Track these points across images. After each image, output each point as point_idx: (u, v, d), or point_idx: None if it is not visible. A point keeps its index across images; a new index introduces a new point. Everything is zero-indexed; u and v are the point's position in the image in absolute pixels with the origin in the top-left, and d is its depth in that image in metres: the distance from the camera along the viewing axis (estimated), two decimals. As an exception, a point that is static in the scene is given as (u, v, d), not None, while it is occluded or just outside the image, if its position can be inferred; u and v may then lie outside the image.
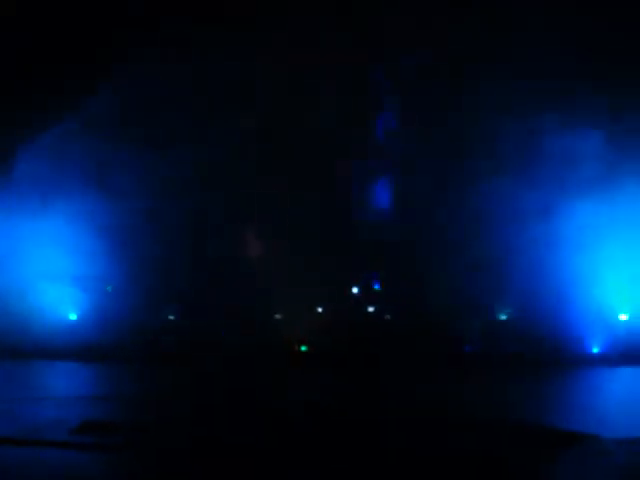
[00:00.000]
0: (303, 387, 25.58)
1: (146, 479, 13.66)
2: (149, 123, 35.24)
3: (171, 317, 37.78)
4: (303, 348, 35.62)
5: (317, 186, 36.22)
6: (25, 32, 34.64)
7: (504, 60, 33.04)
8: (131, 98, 34.95)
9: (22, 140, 35.28)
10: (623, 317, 35.18)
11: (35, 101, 34.60)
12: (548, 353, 32.08)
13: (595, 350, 34.19)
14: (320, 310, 37.60)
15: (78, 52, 34.50)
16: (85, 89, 35.02)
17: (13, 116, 34.62)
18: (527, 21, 32.89)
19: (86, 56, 34.57)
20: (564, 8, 32.42)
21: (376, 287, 38.58)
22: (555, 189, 33.60)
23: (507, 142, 33.85)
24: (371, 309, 38.18)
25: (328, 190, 36.53)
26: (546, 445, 15.99)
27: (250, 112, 35.06)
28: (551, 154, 33.81)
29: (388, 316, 37.75)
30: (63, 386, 26.98)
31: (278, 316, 37.14)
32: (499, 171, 33.63)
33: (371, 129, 36.96)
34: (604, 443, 15.97)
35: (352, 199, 37.45)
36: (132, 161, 35.01)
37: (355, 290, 38.46)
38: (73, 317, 36.86)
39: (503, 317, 36.15)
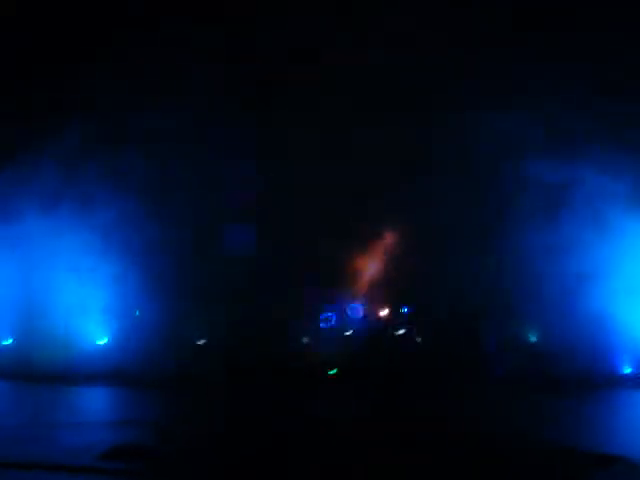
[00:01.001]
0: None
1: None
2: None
3: (201, 342, 37.70)
4: (332, 372, 35.39)
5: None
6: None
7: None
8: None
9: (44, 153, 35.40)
10: (655, 337, 34.72)
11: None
12: (579, 374, 31.70)
13: (627, 371, 33.75)
14: (348, 333, 37.42)
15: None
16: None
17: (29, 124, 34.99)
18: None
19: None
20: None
21: (405, 310, 38.37)
22: (585, 214, 33.38)
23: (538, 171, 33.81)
24: (401, 332, 37.97)
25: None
26: (579, 467, 15.91)
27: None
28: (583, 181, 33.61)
29: (419, 339, 37.52)
30: (92, 411, 27.07)
31: (306, 340, 37.00)
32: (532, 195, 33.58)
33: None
34: (635, 465, 15.85)
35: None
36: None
37: (383, 313, 38.30)
38: (102, 341, 36.94)
39: (533, 339, 35.81)
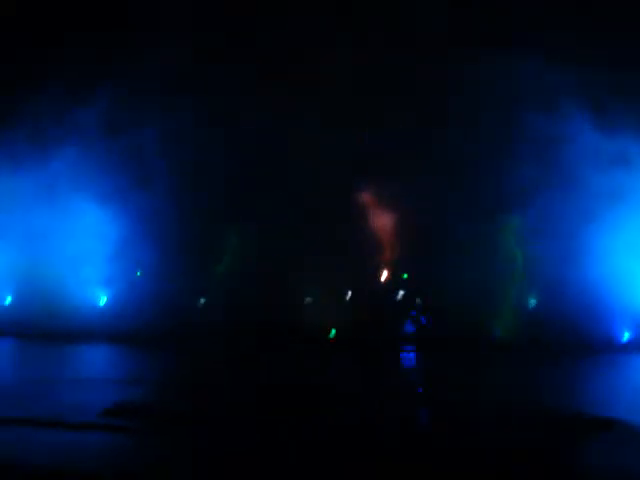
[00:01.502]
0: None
1: (173, 462, 13.78)
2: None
3: (202, 300, 37.74)
4: (332, 333, 35.50)
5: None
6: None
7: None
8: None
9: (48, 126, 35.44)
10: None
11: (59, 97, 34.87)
12: (578, 340, 31.78)
13: (626, 337, 33.86)
14: (349, 295, 37.47)
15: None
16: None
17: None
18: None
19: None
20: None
21: (404, 276, 38.39)
22: (586, 186, 33.40)
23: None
24: (401, 293, 38.00)
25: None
26: (580, 430, 16.04)
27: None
28: (583, 158, 33.60)
29: (418, 300, 37.53)
30: (92, 369, 27.14)
31: (309, 299, 37.03)
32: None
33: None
34: (632, 428, 15.99)
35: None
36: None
37: (383, 278, 38.31)
38: (103, 301, 37.03)
39: (532, 303, 35.85)
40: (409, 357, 30.70)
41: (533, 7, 33.58)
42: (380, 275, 38.00)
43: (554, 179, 33.65)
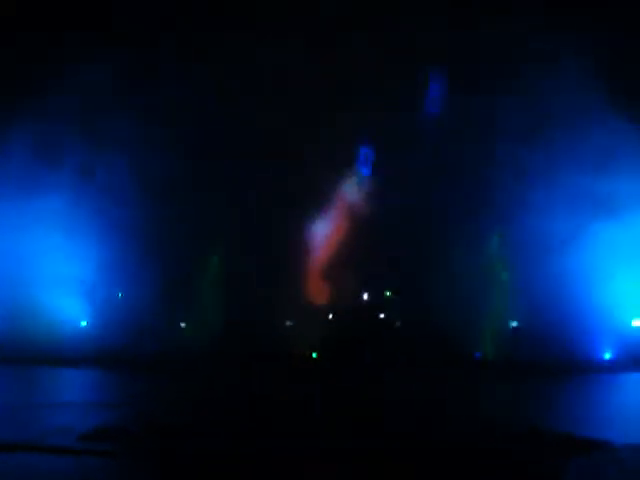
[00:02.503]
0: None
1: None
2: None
3: (182, 324, 37.71)
4: (314, 355, 35.47)
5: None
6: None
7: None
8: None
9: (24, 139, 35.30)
10: (636, 323, 34.98)
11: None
12: (560, 360, 31.88)
13: (607, 356, 33.97)
14: (331, 316, 37.48)
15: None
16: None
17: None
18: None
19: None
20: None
21: (387, 294, 38.48)
22: (567, 204, 33.59)
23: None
24: (382, 316, 38.09)
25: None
26: (562, 451, 16.00)
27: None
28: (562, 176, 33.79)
29: (398, 323, 37.63)
30: (73, 392, 26.97)
31: (289, 323, 37.04)
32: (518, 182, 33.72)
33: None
34: (616, 449, 15.95)
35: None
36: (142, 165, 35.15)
37: (365, 297, 38.38)
38: (83, 324, 36.89)
39: (514, 324, 35.97)
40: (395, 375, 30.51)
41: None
42: (362, 294, 38.11)
43: (536, 196, 33.83)
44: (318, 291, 36.87)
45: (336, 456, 15.19)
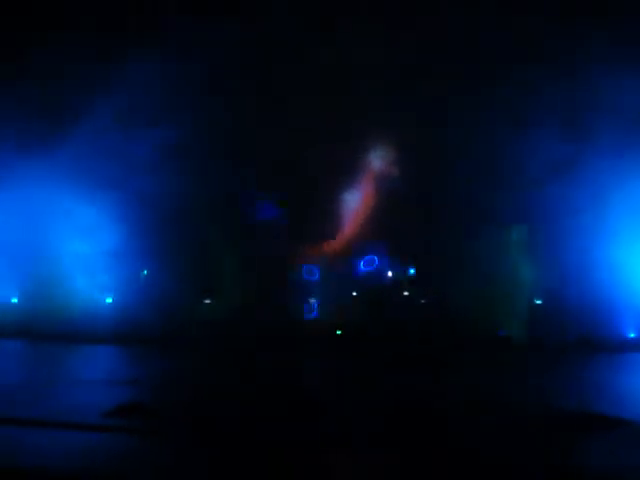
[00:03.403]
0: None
1: (179, 463, 13.77)
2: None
3: (207, 301, 37.79)
4: (338, 332, 35.43)
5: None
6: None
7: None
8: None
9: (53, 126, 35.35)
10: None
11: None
12: (584, 338, 31.75)
13: (632, 335, 33.76)
14: (355, 294, 37.43)
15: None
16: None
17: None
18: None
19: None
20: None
21: (411, 271, 38.38)
22: (590, 181, 33.26)
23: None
24: (406, 293, 38.03)
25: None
26: (584, 430, 15.98)
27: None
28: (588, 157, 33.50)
29: (423, 300, 37.54)
30: (98, 369, 27.15)
31: (313, 300, 37.03)
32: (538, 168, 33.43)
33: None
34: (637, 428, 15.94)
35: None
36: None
37: (390, 274, 38.30)
38: (109, 300, 37.10)
39: (538, 302, 35.79)
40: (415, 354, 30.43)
41: None
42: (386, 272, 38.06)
43: (560, 181, 33.56)
44: (343, 268, 36.82)
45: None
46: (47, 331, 33.51)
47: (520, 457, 14.11)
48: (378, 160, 36.91)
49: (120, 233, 35.15)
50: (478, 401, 19.77)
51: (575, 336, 31.72)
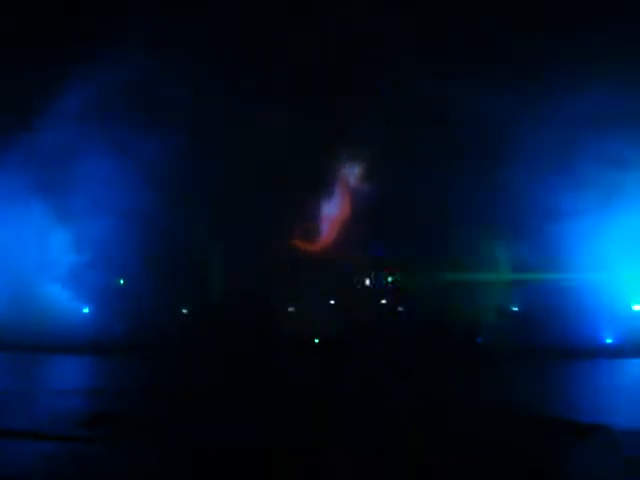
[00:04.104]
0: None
1: (154, 471, 13.73)
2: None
3: (184, 310, 37.67)
4: (316, 340, 35.40)
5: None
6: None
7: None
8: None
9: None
10: (637, 308, 34.91)
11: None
12: (561, 344, 31.84)
13: (609, 341, 33.91)
14: (332, 302, 37.42)
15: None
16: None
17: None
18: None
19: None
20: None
21: (389, 279, 38.43)
22: (566, 187, 33.52)
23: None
24: (383, 301, 38.06)
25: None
26: (561, 436, 16.04)
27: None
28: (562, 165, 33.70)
29: (401, 308, 37.60)
30: (74, 379, 27.01)
31: (291, 309, 36.98)
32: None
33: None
34: (615, 434, 15.98)
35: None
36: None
37: (367, 282, 38.33)
38: (85, 310, 36.90)
39: (515, 309, 35.93)
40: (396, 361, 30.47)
41: None
42: (364, 280, 38.09)
43: (540, 180, 33.72)
44: (320, 277, 36.77)
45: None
46: (23, 342, 33.19)
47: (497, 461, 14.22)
48: (356, 168, 37.01)
49: (96, 243, 35.06)
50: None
51: (552, 342, 31.80)
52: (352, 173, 37.00)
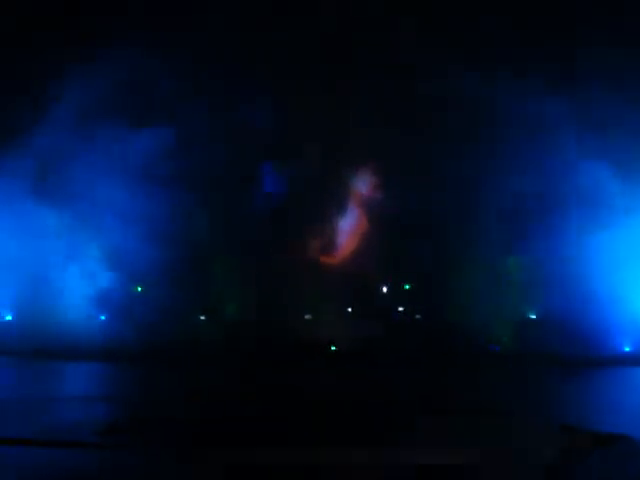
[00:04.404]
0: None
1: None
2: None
3: (202, 317, 37.67)
4: (333, 348, 35.37)
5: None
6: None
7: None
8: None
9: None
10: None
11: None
12: (578, 352, 31.66)
13: (626, 349, 33.71)
14: (349, 310, 37.38)
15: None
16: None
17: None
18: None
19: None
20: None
21: (406, 287, 38.38)
22: (584, 199, 33.49)
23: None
24: (400, 309, 38.00)
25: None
26: (582, 446, 15.88)
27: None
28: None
29: (418, 316, 37.54)
30: (90, 386, 27.04)
31: (308, 317, 36.95)
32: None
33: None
34: (637, 444, 15.82)
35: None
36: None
37: (384, 290, 38.27)
38: (102, 317, 36.91)
39: (532, 316, 35.79)
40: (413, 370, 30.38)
41: None
42: (381, 287, 38.04)
43: (556, 189, 33.64)
44: (337, 285, 36.70)
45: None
46: (39, 348, 33.25)
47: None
48: (369, 182, 37.09)
49: (113, 250, 35.10)
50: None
51: (569, 350, 31.63)
52: (367, 184, 37.00)
